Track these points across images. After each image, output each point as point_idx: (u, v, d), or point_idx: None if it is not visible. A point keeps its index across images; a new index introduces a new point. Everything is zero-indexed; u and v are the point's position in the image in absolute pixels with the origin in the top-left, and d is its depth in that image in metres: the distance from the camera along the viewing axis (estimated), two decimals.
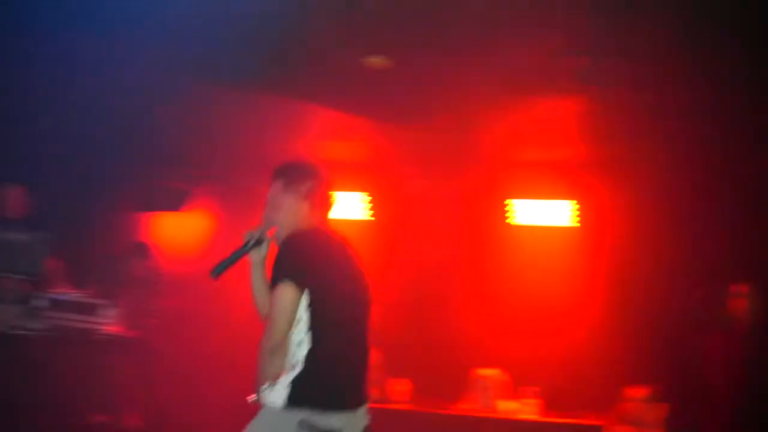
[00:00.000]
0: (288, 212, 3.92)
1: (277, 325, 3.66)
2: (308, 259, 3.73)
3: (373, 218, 8.93)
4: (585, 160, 8.08)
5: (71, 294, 5.95)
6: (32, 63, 6.10)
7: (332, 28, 5.63)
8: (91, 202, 8.28)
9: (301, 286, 3.66)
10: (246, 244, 3.93)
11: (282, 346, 3.68)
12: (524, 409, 7.25)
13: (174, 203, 9.04)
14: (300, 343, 3.69)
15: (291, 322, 3.67)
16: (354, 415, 3.77)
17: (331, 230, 3.96)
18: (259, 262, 3.99)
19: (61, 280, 6.27)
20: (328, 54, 6.11)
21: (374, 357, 7.16)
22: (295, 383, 3.65)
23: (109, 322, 6.28)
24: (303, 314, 3.70)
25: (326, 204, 3.98)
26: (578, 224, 8.39)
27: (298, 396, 3.65)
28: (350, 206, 8.89)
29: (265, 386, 3.70)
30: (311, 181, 3.94)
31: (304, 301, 3.68)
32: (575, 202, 8.37)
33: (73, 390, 5.63)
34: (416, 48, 5.88)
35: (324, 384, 3.70)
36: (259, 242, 3.95)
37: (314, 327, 3.69)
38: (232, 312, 7.95)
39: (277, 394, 3.66)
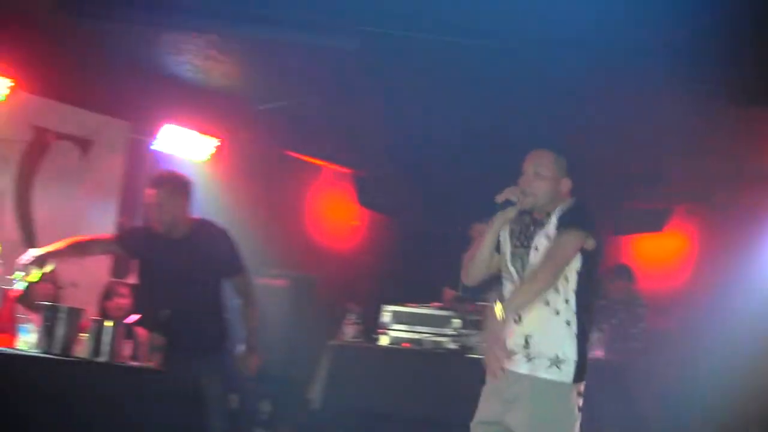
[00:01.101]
0: (553, 185, 3.91)
1: (558, 269, 3.73)
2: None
3: None
4: None
5: None
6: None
7: None
8: None
9: (589, 241, 3.75)
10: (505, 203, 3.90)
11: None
12: None
13: (653, 224, 8.97)
14: (567, 300, 3.77)
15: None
16: None
17: None
18: (501, 223, 3.95)
19: None
20: None
21: None
22: (581, 357, 3.74)
23: (592, 347, 6.27)
24: (574, 272, 3.77)
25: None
26: None
27: (583, 369, 3.75)
28: None
29: (548, 364, 3.73)
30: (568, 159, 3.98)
31: (579, 260, 3.76)
32: None
33: None
34: None
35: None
36: (509, 204, 3.90)
37: (580, 291, 3.78)
38: (725, 332, 7.75)
39: (566, 370, 3.73)
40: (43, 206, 6.90)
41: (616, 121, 6.78)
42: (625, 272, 7.84)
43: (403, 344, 5.84)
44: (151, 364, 4.86)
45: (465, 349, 5.74)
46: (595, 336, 6.45)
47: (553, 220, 3.86)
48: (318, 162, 8.79)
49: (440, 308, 5.97)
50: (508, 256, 3.95)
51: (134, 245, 5.37)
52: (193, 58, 6.59)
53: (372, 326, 6.28)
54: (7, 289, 4.76)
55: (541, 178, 3.90)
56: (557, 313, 3.76)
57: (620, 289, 7.65)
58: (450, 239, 7.66)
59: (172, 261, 5.19)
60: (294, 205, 8.64)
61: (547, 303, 3.78)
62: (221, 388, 5.14)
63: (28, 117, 6.81)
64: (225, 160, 7.88)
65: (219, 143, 7.81)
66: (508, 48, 5.62)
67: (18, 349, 4.53)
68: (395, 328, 5.91)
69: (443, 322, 5.86)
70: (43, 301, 5.15)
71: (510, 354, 3.76)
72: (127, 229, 5.74)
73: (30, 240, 6.78)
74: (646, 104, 6.46)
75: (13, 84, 6.40)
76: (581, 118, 6.77)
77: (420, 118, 7.08)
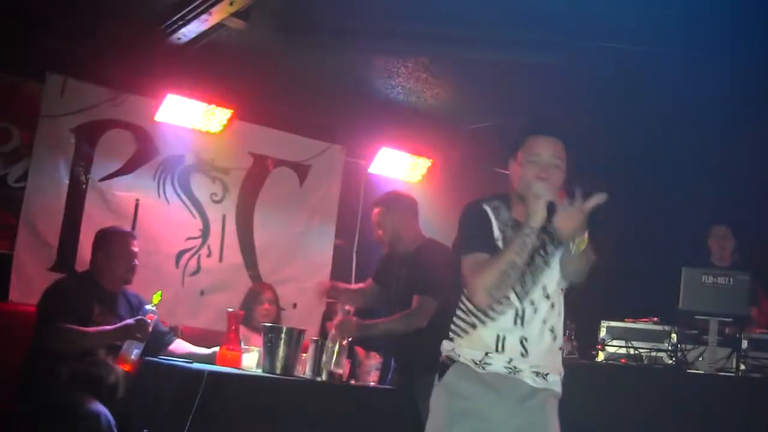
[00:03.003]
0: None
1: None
2: None
3: None
4: None
5: None
6: None
7: None
8: None
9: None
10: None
11: None
12: None
13: None
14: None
15: None
16: None
17: None
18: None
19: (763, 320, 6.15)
20: None
21: None
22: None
23: None
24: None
25: None
26: None
27: None
28: None
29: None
30: None
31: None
32: None
33: None
34: None
35: None
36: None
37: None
38: None
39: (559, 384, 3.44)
40: (263, 231, 7.16)
41: None
42: None
43: (621, 360, 5.69)
44: (370, 384, 4.93)
45: (683, 363, 5.53)
46: None
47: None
48: None
49: (657, 323, 5.79)
50: None
51: (379, 273, 5.50)
52: (404, 81, 6.68)
53: (589, 342, 6.14)
54: (231, 311, 4.94)
55: (559, 170, 3.36)
56: (554, 338, 3.43)
57: None
58: (661, 252, 7.46)
59: (393, 279, 5.27)
60: None
61: (552, 330, 3.41)
62: None
63: (247, 145, 7.10)
64: (437, 180, 7.92)
65: (431, 164, 7.87)
66: (716, 58, 5.43)
67: (241, 369, 4.70)
68: (612, 344, 5.77)
69: (661, 336, 5.69)
70: (265, 322, 5.34)
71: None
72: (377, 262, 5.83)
73: (251, 264, 7.06)
74: None
75: (231, 114, 6.68)
76: None
77: (629, 130, 6.90)
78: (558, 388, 3.44)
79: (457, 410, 3.40)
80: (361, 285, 5.69)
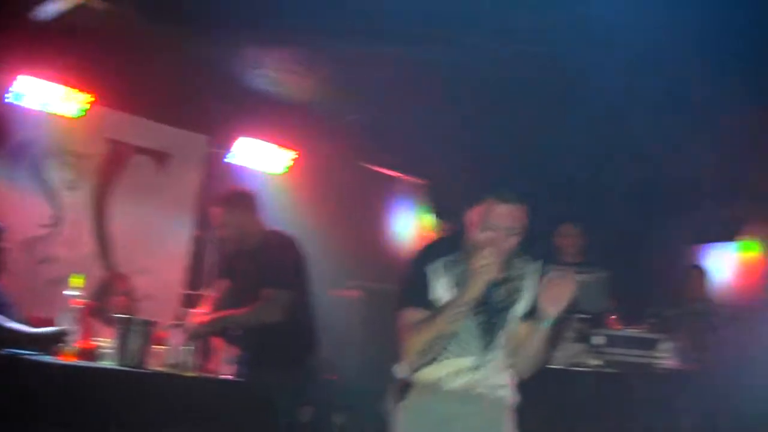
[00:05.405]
0: None
1: None
2: None
3: None
4: None
5: (629, 330, 5.95)
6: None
7: None
8: (646, 236, 8.31)
9: None
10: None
11: None
12: None
13: (730, 233, 8.74)
14: None
15: None
16: None
17: None
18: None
19: (618, 316, 6.36)
20: None
21: None
22: None
23: (667, 357, 6.15)
24: None
25: None
26: None
27: None
28: None
29: None
30: None
31: None
32: None
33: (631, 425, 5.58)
34: None
35: None
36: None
37: None
38: None
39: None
40: (119, 220, 7.00)
41: (696, 130, 6.63)
42: (699, 272, 7.63)
43: None
44: (226, 376, 4.87)
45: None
46: (670, 345, 6.31)
47: (530, 285, 3.52)
48: (393, 173, 8.76)
49: None
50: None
51: (227, 267, 5.40)
52: (270, 71, 6.62)
53: None
54: (85, 303, 4.80)
55: (516, 235, 3.41)
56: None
57: (695, 289, 7.42)
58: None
59: (243, 273, 5.20)
60: (370, 216, 8.61)
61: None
62: (294, 401, 5.10)
63: (105, 131, 6.93)
64: (301, 173, 7.89)
65: (296, 156, 7.82)
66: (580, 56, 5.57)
67: (93, 363, 4.57)
68: None
69: None
70: (118, 313, 5.21)
71: None
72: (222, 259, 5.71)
73: (105, 253, 6.88)
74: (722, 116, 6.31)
75: (92, 99, 6.48)
76: (668, 127, 6.64)
77: (495, 127, 7.01)
78: (510, 396, 3.57)
79: (427, 425, 3.49)
80: (213, 294, 5.55)
